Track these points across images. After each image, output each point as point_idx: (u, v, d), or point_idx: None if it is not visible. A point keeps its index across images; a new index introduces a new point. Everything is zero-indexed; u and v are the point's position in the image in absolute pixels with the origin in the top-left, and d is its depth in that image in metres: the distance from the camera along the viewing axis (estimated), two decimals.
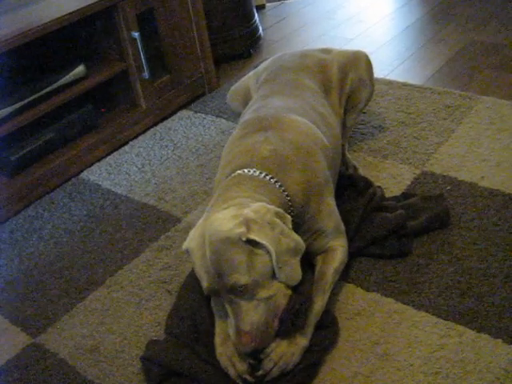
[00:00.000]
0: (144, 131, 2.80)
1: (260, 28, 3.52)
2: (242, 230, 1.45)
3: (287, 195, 1.63)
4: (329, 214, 1.75)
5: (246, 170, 1.64)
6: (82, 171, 2.58)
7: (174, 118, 2.87)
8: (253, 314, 1.48)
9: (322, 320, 1.61)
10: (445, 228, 1.95)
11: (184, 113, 2.91)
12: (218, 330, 1.61)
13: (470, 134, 2.41)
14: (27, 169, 2.46)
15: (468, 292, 1.72)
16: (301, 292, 1.57)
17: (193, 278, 1.76)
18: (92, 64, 2.66)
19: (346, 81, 2.22)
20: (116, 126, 2.69)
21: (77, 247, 2.17)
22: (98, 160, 2.64)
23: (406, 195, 2.09)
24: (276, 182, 1.63)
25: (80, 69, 2.54)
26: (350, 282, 1.82)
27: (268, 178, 1.63)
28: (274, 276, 1.51)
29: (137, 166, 2.57)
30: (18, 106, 2.36)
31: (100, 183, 2.50)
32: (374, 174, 2.25)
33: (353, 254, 1.85)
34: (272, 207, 1.53)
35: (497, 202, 2.03)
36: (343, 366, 1.58)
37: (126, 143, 2.74)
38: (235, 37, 3.34)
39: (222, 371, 1.54)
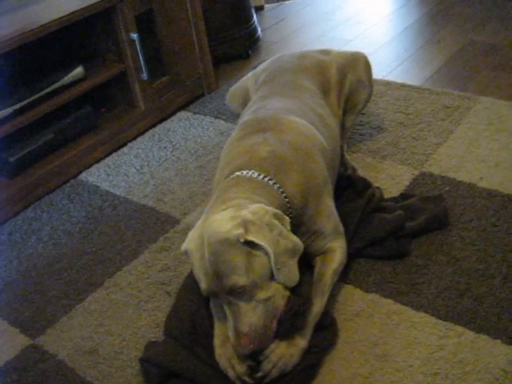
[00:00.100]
0: (143, 132, 2.80)
1: (259, 29, 3.52)
2: (241, 231, 1.45)
3: (286, 197, 1.63)
4: (327, 215, 1.75)
5: (244, 172, 1.64)
6: (80, 172, 2.58)
7: (172, 119, 2.87)
8: (251, 316, 1.48)
9: (320, 321, 1.61)
10: (444, 229, 1.95)
11: (183, 114, 2.91)
12: (216, 331, 1.61)
13: (468, 135, 2.41)
14: (26, 170, 2.46)
15: (467, 293, 1.72)
16: (300, 293, 1.57)
17: (192, 280, 1.75)
18: (91, 65, 2.66)
19: (345, 82, 2.22)
20: (115, 128, 2.69)
21: (76, 248, 2.17)
22: (97, 161, 2.64)
23: (404, 196, 2.09)
24: (274, 183, 1.63)
25: (79, 70, 2.54)
26: (348, 283, 1.82)
27: (266, 179, 1.63)
28: (272, 277, 1.51)
29: (135, 168, 2.57)
30: (17, 107, 2.36)
31: (99, 184, 2.50)
32: (372, 174, 2.25)
33: (352, 255, 1.85)
34: (270, 208, 1.53)
35: (495, 203, 2.03)
36: (342, 367, 1.58)
37: (125, 144, 2.73)
38: (234, 38, 3.34)
39: (221, 373, 1.54)
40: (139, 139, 2.76)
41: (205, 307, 1.69)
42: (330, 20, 3.81)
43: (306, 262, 1.72)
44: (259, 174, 1.63)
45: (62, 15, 2.37)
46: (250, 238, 1.45)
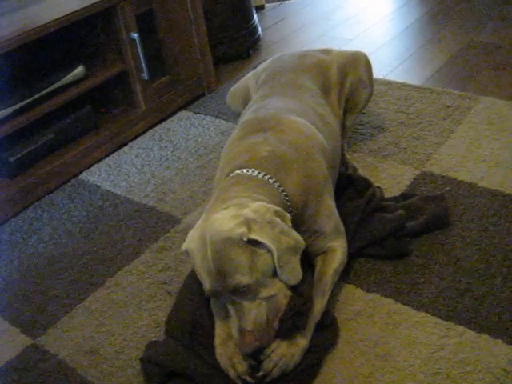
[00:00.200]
0: (143, 132, 2.80)
1: (259, 29, 3.52)
2: (243, 230, 1.45)
3: (286, 195, 1.63)
4: (328, 215, 1.75)
5: (244, 170, 1.64)
6: (81, 172, 2.58)
7: (173, 118, 2.87)
8: (255, 314, 1.48)
9: (321, 321, 1.61)
10: (444, 228, 1.95)
11: (183, 113, 2.91)
12: (217, 330, 1.61)
13: (469, 135, 2.41)
14: (26, 170, 2.46)
15: (468, 292, 1.72)
16: (301, 293, 1.57)
17: (192, 279, 1.76)
18: (91, 65, 2.66)
19: (346, 81, 2.22)
20: (115, 127, 2.69)
21: (76, 248, 2.17)
22: (98, 161, 2.64)
23: (405, 196, 2.09)
24: (275, 182, 1.63)
25: (79, 70, 2.54)
26: (349, 283, 1.82)
27: (267, 178, 1.63)
28: (274, 275, 1.51)
29: (136, 167, 2.57)
30: (17, 106, 2.35)
31: (99, 184, 2.50)
32: (373, 174, 2.25)
33: (352, 255, 1.85)
34: (271, 206, 1.53)
35: (496, 203, 2.03)
36: (343, 367, 1.58)
37: (126, 144, 2.73)
38: (234, 37, 3.34)
39: (222, 372, 1.54)
40: (140, 139, 2.76)
41: (205, 307, 1.69)
42: (331, 19, 3.81)
43: (307, 262, 1.72)
44: (260, 173, 1.63)
45: (63, 15, 2.37)
46: (253, 236, 1.45)
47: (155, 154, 2.64)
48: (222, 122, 2.79)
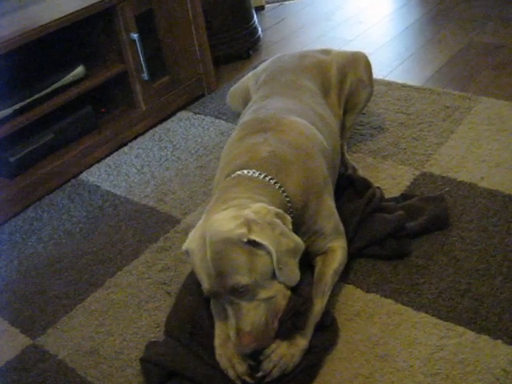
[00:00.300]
0: (143, 132, 2.80)
1: (259, 29, 3.52)
2: (243, 230, 1.45)
3: (286, 196, 1.63)
4: (328, 215, 1.75)
5: (245, 171, 1.64)
6: (81, 172, 2.58)
7: (173, 119, 2.87)
8: (253, 315, 1.48)
9: (321, 321, 1.61)
10: (444, 229, 1.95)
11: (183, 114, 2.91)
12: (217, 331, 1.61)
13: (469, 135, 2.41)
14: (26, 170, 2.46)
15: (467, 293, 1.72)
16: (300, 293, 1.57)
17: (192, 280, 1.75)
18: (91, 65, 2.66)
19: (345, 82, 2.22)
20: (115, 127, 2.69)
21: (76, 248, 2.17)
22: (98, 161, 2.64)
23: (405, 196, 2.09)
24: (275, 183, 1.63)
25: (79, 70, 2.54)
26: (349, 283, 1.82)
27: (267, 179, 1.63)
28: (273, 277, 1.51)
29: (136, 168, 2.57)
30: (17, 107, 2.35)
31: (99, 184, 2.50)
32: (373, 174, 2.25)
33: (352, 255, 1.85)
34: (272, 208, 1.53)
35: (496, 203, 2.03)
36: (343, 367, 1.58)
37: (125, 144, 2.73)
38: (234, 38, 3.34)
39: (222, 372, 1.54)
40: (140, 139, 2.76)
41: (205, 307, 1.69)
42: (331, 20, 3.81)
43: (307, 262, 1.72)
44: (260, 174, 1.63)
45: (63, 15, 2.37)
46: (253, 237, 1.45)
47: (155, 155, 2.64)
48: (222, 122, 2.79)
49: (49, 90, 2.45)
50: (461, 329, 1.62)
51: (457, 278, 1.78)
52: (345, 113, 2.26)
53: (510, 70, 2.89)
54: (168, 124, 2.84)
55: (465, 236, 1.92)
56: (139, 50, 2.64)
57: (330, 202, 1.77)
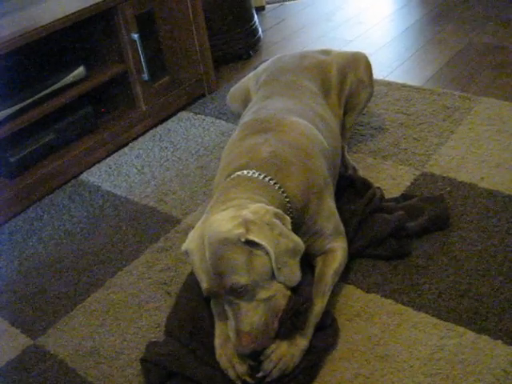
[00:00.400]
0: (143, 133, 2.80)
1: (259, 29, 3.53)
2: (241, 230, 1.45)
3: (286, 197, 1.63)
4: (328, 216, 1.75)
5: (245, 172, 1.64)
6: (81, 173, 2.59)
7: (173, 119, 2.88)
8: (253, 315, 1.48)
9: (321, 321, 1.61)
10: (444, 229, 1.95)
11: (184, 114, 2.91)
12: (217, 331, 1.61)
13: (469, 135, 2.41)
14: (27, 170, 2.46)
15: (468, 293, 1.72)
16: (300, 293, 1.57)
17: (192, 280, 1.76)
18: (92, 65, 2.67)
19: (346, 82, 2.22)
20: (115, 128, 2.69)
21: (76, 249, 2.17)
22: (98, 161, 2.64)
23: (405, 196, 2.09)
24: (275, 183, 1.63)
25: (80, 70, 2.54)
26: (349, 283, 1.82)
27: (267, 179, 1.63)
28: (273, 277, 1.51)
29: (136, 168, 2.57)
30: (18, 107, 2.36)
31: (100, 185, 2.50)
32: (373, 175, 2.25)
33: (352, 255, 1.85)
34: (271, 208, 1.53)
35: (496, 203, 2.03)
36: (343, 367, 1.58)
37: (126, 145, 2.74)
38: (235, 38, 3.34)
39: (222, 373, 1.54)
40: (140, 139, 2.76)
41: (205, 307, 1.69)
42: (331, 20, 3.82)
43: (307, 262, 1.72)
44: (260, 174, 1.63)
45: (63, 16, 2.37)
46: (251, 237, 1.45)
47: (155, 155, 2.64)
48: (223, 122, 2.79)
49: (49, 90, 2.45)
50: (461, 329, 1.62)
51: (457, 278, 1.78)
52: (345, 113, 2.26)
53: (510, 71, 2.89)
54: (168, 124, 2.84)
55: (465, 236, 1.92)
56: (140, 50, 2.64)
57: (330, 203, 1.77)
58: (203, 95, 3.05)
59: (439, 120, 2.54)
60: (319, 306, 1.61)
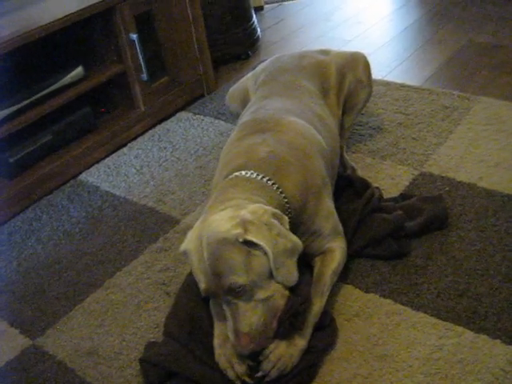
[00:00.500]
0: (142, 133, 2.80)
1: (258, 29, 3.53)
2: (239, 231, 1.45)
3: (284, 197, 1.63)
4: (327, 216, 1.75)
5: (243, 172, 1.65)
6: (80, 173, 2.58)
7: (172, 119, 2.88)
8: (251, 315, 1.48)
9: (320, 321, 1.61)
10: (443, 229, 1.95)
11: (182, 114, 2.91)
12: (216, 331, 1.61)
13: (468, 135, 2.41)
14: (26, 171, 2.46)
15: (466, 293, 1.72)
16: (299, 293, 1.57)
17: (191, 280, 1.75)
18: (90, 66, 2.66)
19: (344, 82, 2.22)
20: (114, 128, 2.69)
21: (75, 249, 2.17)
22: (97, 162, 2.64)
23: (404, 196, 2.09)
24: (273, 183, 1.63)
25: (78, 70, 2.54)
26: (348, 283, 1.82)
27: (265, 179, 1.63)
28: (271, 277, 1.51)
29: (135, 168, 2.57)
30: (16, 107, 2.35)
31: (98, 185, 2.50)
32: (372, 175, 2.25)
33: (351, 255, 1.85)
34: (269, 208, 1.53)
35: (495, 203, 2.03)
36: (342, 368, 1.58)
37: (125, 145, 2.73)
38: (233, 38, 3.34)
39: (221, 373, 1.54)
40: (139, 140, 2.76)
41: (204, 307, 1.69)
42: (330, 20, 3.82)
43: (306, 262, 1.72)
44: (258, 175, 1.63)
45: (62, 16, 2.37)
46: (249, 237, 1.45)
47: (154, 155, 2.64)
48: (222, 122, 2.79)
49: (48, 90, 2.45)
50: (460, 329, 1.62)
51: (456, 277, 1.78)
52: (344, 113, 2.26)
53: (508, 70, 2.89)
54: (167, 124, 2.84)
55: (464, 236, 1.92)
56: (138, 50, 2.64)
57: (328, 203, 1.77)
58: (202, 95, 3.04)
59: (438, 120, 2.54)
60: (318, 306, 1.61)
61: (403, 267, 1.84)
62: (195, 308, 1.71)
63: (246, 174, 1.64)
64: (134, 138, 2.77)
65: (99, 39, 2.68)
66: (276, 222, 1.51)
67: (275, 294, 1.51)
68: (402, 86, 2.84)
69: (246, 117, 1.96)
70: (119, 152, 2.69)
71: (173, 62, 2.88)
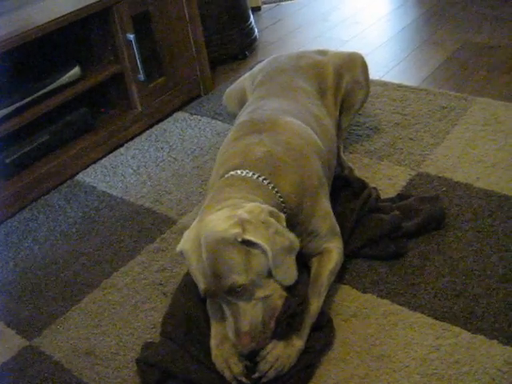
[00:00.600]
0: (139, 133, 2.80)
1: (255, 30, 3.52)
2: (238, 230, 1.45)
3: (280, 196, 1.63)
4: (323, 216, 1.75)
5: (239, 172, 1.64)
6: (77, 173, 2.58)
7: (169, 119, 2.87)
8: (251, 315, 1.48)
9: (317, 322, 1.61)
10: (440, 229, 1.95)
11: (179, 115, 2.91)
12: (213, 332, 1.60)
13: (465, 135, 2.41)
14: (22, 171, 2.45)
15: (463, 293, 1.72)
16: (296, 294, 1.57)
17: (188, 280, 1.75)
18: (87, 66, 2.66)
19: (342, 82, 2.22)
20: (111, 128, 2.69)
21: (72, 249, 2.17)
22: (94, 162, 2.63)
23: (401, 196, 2.09)
24: (269, 183, 1.63)
25: (75, 70, 2.54)
26: (345, 284, 1.82)
27: (261, 179, 1.63)
28: (270, 276, 1.51)
29: (132, 168, 2.57)
30: (13, 107, 2.35)
31: (95, 185, 2.50)
32: (369, 175, 2.25)
33: (348, 256, 1.85)
34: (265, 206, 1.53)
35: (492, 203, 2.03)
36: (339, 368, 1.58)
37: (122, 145, 2.73)
38: (231, 38, 3.34)
39: (218, 373, 1.54)
40: (136, 140, 2.76)
41: (201, 308, 1.69)
42: (327, 21, 3.82)
43: (303, 263, 1.72)
44: (254, 174, 1.63)
45: (59, 16, 2.37)
46: (248, 236, 1.45)
47: (151, 155, 2.63)
48: (219, 123, 2.79)
49: (45, 90, 2.44)
50: (457, 329, 1.62)
51: (453, 278, 1.78)
52: (341, 113, 2.25)
53: (505, 71, 2.89)
54: (164, 125, 2.84)
55: (461, 236, 1.92)
56: (135, 50, 2.64)
57: (325, 203, 1.77)
58: (199, 95, 3.04)
59: (435, 120, 2.54)
60: (315, 306, 1.61)
61: (400, 267, 1.84)
62: (192, 308, 1.70)
63: (242, 173, 1.64)
64: (131, 138, 2.76)
65: (96, 39, 2.68)
66: (273, 220, 1.51)
67: (274, 293, 1.51)
68: (400, 86, 2.85)
69: (242, 117, 1.96)
70: (116, 152, 2.69)
71: (170, 62, 2.87)
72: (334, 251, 1.74)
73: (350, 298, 1.77)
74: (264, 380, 1.52)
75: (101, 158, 2.66)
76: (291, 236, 1.55)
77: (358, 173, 2.24)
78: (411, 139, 2.44)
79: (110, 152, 2.69)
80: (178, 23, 2.83)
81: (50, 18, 2.35)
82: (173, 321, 1.71)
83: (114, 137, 2.70)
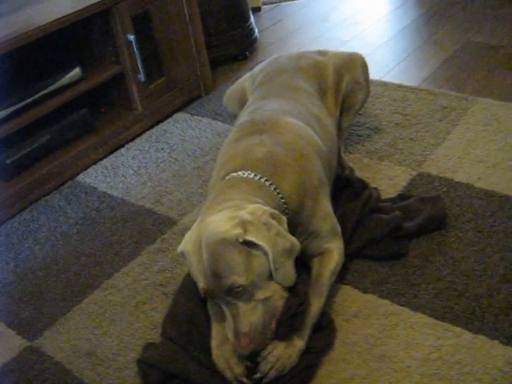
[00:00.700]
0: (140, 134, 2.80)
1: (256, 30, 3.52)
2: (239, 231, 1.45)
3: (282, 197, 1.63)
4: (324, 216, 1.75)
5: (240, 173, 1.64)
6: (78, 174, 2.58)
7: (169, 120, 2.87)
8: (251, 315, 1.48)
9: (318, 322, 1.61)
10: (441, 229, 1.95)
11: (180, 115, 2.90)
12: (214, 332, 1.60)
13: (465, 136, 2.41)
14: (23, 172, 2.45)
15: (464, 293, 1.72)
16: (297, 294, 1.57)
17: (189, 281, 1.75)
18: (88, 67, 2.66)
19: (342, 83, 2.22)
20: (112, 129, 2.69)
21: (73, 250, 2.17)
22: (94, 163, 2.63)
23: (402, 197, 2.09)
24: (270, 184, 1.63)
25: (76, 71, 2.54)
26: (346, 284, 1.82)
27: (262, 180, 1.63)
28: (270, 277, 1.51)
29: (133, 169, 2.57)
30: (13, 108, 2.35)
31: (96, 186, 2.50)
32: (370, 175, 2.25)
33: (349, 256, 1.85)
34: (267, 208, 1.53)
35: (493, 203, 2.03)
36: (340, 368, 1.58)
37: (122, 146, 2.73)
38: (231, 39, 3.34)
39: (219, 374, 1.54)
40: (137, 140, 2.76)
41: (202, 308, 1.69)
42: (327, 21, 3.82)
43: (304, 263, 1.72)
44: (255, 175, 1.63)
45: (59, 17, 2.37)
46: (249, 237, 1.45)
47: (152, 156, 2.63)
48: (219, 123, 2.79)
49: (45, 91, 2.44)
50: (458, 329, 1.62)
51: (454, 278, 1.78)
52: (341, 114, 2.25)
53: (506, 71, 2.89)
54: (165, 125, 2.84)
55: (462, 236, 1.92)
56: (136, 51, 2.64)
57: (326, 203, 1.77)
58: (199, 96, 3.04)
59: (436, 120, 2.54)
60: (316, 306, 1.61)
61: (401, 268, 1.84)
62: (193, 309, 1.70)
63: (244, 174, 1.64)
64: (132, 139, 2.76)
65: (97, 40, 2.68)
66: (274, 222, 1.51)
67: (274, 294, 1.51)
68: (400, 86, 2.85)
69: (243, 117, 1.96)
70: (117, 153, 2.69)
71: (170, 62, 2.87)
72: (334, 251, 1.74)
73: (350, 299, 1.77)
74: (265, 380, 1.52)
75: (101, 159, 2.66)
76: (292, 238, 1.55)
77: (358, 173, 2.23)
78: (412, 139, 2.44)
79: (111, 153, 2.69)
80: (178, 24, 2.83)
81: (50, 18, 2.35)
82: (174, 321, 1.71)
83: (114, 137, 2.70)
